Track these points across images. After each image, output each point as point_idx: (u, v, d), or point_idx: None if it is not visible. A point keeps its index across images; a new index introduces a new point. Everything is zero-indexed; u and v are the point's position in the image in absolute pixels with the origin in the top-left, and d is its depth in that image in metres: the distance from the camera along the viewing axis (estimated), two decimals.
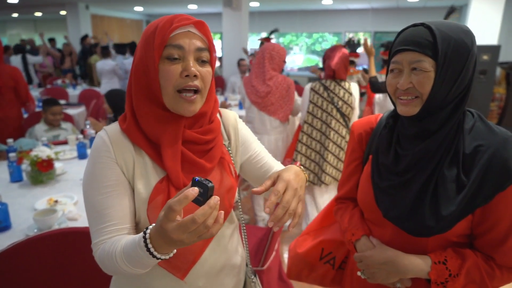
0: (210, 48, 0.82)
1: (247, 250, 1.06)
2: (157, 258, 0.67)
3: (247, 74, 5.96)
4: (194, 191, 0.60)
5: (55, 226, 1.51)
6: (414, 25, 0.84)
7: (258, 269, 1.69)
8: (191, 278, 0.87)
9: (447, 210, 0.82)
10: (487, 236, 0.85)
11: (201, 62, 0.80)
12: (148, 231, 0.67)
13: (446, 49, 0.78)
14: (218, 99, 0.94)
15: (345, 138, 2.59)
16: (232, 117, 1.00)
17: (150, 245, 0.66)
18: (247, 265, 1.08)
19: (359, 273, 0.98)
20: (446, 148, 0.85)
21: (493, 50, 5.89)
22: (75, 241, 1.24)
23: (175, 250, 0.70)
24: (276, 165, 1.05)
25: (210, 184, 0.62)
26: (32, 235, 1.23)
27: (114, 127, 0.85)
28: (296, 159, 2.73)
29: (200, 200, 0.61)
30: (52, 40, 8.63)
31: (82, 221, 1.60)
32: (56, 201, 1.76)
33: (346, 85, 2.53)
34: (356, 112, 2.58)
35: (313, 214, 2.74)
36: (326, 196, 2.72)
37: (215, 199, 0.61)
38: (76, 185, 2.03)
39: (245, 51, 5.73)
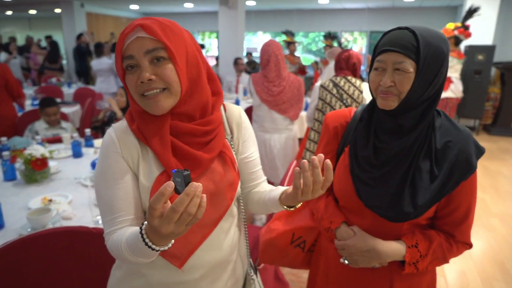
0: (166, 44, 0.78)
1: (247, 247, 1.07)
2: (156, 250, 0.70)
3: (243, 74, 5.95)
4: (169, 186, 0.61)
5: (49, 226, 1.49)
6: (399, 28, 0.91)
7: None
8: (188, 269, 0.89)
9: (423, 198, 0.94)
10: (449, 217, 0.99)
11: (158, 61, 0.79)
12: (144, 226, 0.70)
13: (427, 54, 0.87)
14: (222, 92, 0.95)
15: None
16: (237, 112, 1.00)
17: (147, 240, 0.69)
18: (251, 265, 1.08)
19: (342, 260, 1.06)
20: (420, 143, 0.95)
21: (488, 50, 5.93)
22: (69, 241, 1.22)
23: (173, 241, 0.72)
24: (263, 178, 1.07)
25: (186, 172, 0.62)
26: (26, 234, 1.21)
27: (122, 123, 0.91)
28: (305, 158, 2.72)
29: (180, 189, 0.63)
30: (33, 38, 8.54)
31: (76, 220, 1.59)
32: (50, 200, 1.74)
33: (357, 82, 2.50)
34: None
35: None
36: None
37: (192, 187, 0.60)
38: (71, 184, 2.01)
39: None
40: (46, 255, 1.22)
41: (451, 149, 0.94)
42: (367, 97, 2.49)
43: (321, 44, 11.19)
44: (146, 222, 0.69)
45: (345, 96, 2.49)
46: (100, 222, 1.55)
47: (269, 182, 1.12)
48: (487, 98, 6.49)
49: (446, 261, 1.02)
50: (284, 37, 6.83)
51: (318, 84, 2.61)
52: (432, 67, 0.88)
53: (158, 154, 0.84)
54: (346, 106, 2.48)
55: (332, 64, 4.73)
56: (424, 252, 0.98)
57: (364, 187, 1.00)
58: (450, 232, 1.01)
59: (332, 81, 2.53)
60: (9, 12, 11.66)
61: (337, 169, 1.09)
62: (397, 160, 0.96)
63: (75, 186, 1.97)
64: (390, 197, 0.96)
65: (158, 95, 0.80)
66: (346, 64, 2.54)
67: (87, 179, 2.01)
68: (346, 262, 1.05)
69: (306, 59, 11.50)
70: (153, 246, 0.69)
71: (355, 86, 2.48)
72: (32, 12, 11.30)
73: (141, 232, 0.70)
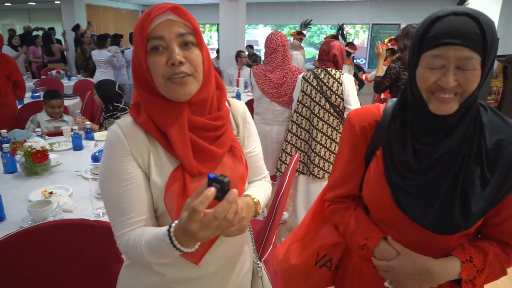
0: (195, 31, 0.81)
1: (252, 238, 1.09)
2: (184, 252, 0.72)
3: (244, 67, 5.92)
4: (212, 190, 0.63)
5: (49, 218, 1.49)
6: (455, 14, 0.74)
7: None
8: (204, 264, 0.89)
9: (477, 207, 0.81)
10: (504, 225, 0.87)
11: (186, 46, 0.80)
12: (172, 229, 0.70)
13: (491, 44, 0.73)
14: (224, 86, 0.94)
15: (337, 129, 2.56)
16: (241, 107, 1.01)
17: (176, 242, 0.70)
18: (255, 255, 1.10)
19: (386, 284, 0.94)
20: (468, 142, 0.82)
21: None
22: (70, 233, 1.22)
23: (199, 242, 0.73)
24: (265, 173, 1.09)
25: (226, 180, 0.64)
26: (27, 226, 1.21)
27: (127, 119, 0.86)
28: (285, 149, 2.73)
29: (219, 195, 0.64)
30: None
31: (77, 213, 1.59)
32: (51, 193, 1.74)
33: (337, 74, 2.49)
34: (353, 103, 2.48)
35: (304, 206, 2.75)
36: (319, 190, 2.71)
37: (232, 194, 0.63)
38: (72, 176, 2.00)
39: None
40: (47, 247, 1.21)
41: (504, 149, 0.81)
42: (349, 89, 2.48)
43: (324, 37, 11.15)
44: (173, 224, 0.70)
45: (324, 88, 2.50)
46: (101, 214, 1.55)
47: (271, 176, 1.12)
48: (489, 91, 6.45)
49: (505, 273, 0.89)
50: (295, 29, 6.77)
51: (300, 76, 2.63)
52: (492, 58, 0.75)
53: (175, 145, 0.81)
54: (326, 98, 2.49)
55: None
56: (481, 267, 0.85)
57: (406, 197, 0.86)
58: (505, 241, 0.89)
59: (313, 73, 2.55)
60: (8, 4, 11.57)
61: (368, 176, 0.94)
62: (443, 164, 0.82)
63: (76, 179, 1.96)
64: (437, 207, 0.83)
65: (186, 79, 0.79)
66: (327, 56, 2.56)
67: (87, 172, 2.00)
68: (391, 286, 0.93)
69: (308, 52, 11.44)
70: (182, 248, 0.70)
71: (334, 78, 2.48)
72: (32, 3, 11.22)
73: (169, 235, 0.70)
